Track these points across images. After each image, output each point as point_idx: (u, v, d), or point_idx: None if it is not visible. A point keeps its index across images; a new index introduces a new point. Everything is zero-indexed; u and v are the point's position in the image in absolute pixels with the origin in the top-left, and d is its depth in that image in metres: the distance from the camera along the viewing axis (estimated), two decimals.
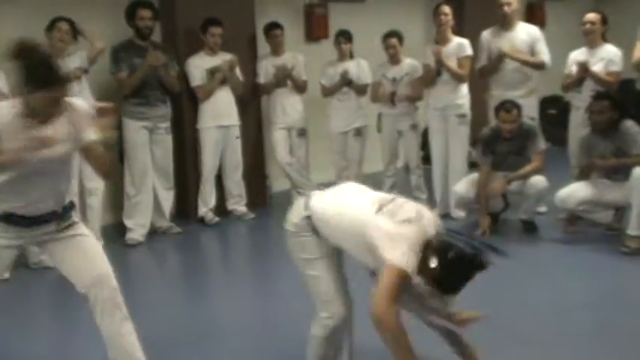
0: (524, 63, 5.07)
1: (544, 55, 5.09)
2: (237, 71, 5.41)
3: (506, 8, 5.07)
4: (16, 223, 2.58)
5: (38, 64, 2.43)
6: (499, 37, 5.14)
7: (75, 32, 4.63)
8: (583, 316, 3.49)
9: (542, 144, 4.83)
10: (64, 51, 4.61)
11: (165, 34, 5.49)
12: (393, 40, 5.37)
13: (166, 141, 5.18)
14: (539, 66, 5.11)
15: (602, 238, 4.64)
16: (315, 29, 6.50)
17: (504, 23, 5.15)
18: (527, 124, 4.85)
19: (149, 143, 5.07)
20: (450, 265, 2.20)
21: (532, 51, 5.09)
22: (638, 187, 4.20)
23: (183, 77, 5.30)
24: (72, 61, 4.61)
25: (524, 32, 5.15)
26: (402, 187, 5.71)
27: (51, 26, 4.57)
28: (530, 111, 5.10)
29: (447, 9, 5.18)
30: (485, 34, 5.26)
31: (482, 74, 5.31)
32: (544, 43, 5.13)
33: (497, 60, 5.10)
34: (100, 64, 4.84)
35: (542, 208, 5.09)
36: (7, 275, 4.27)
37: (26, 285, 4.23)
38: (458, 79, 5.16)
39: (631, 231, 4.25)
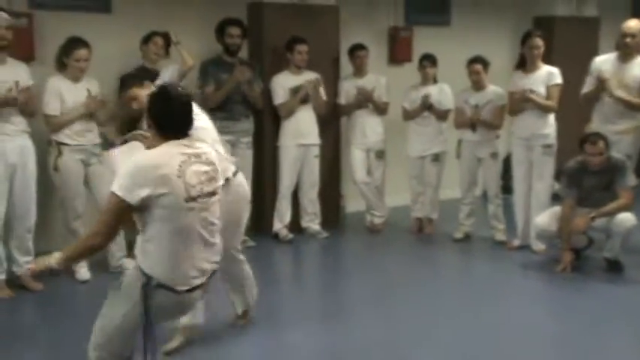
0: (623, 101, 4.84)
1: None
2: (322, 90, 5.47)
3: (628, 40, 4.86)
4: None
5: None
6: (611, 66, 4.93)
7: (168, 47, 4.82)
8: None
9: (631, 180, 4.60)
10: (157, 64, 4.81)
11: (252, 52, 5.62)
12: (478, 66, 5.28)
13: (247, 155, 5.27)
14: (638, 107, 4.86)
15: None
16: (398, 52, 6.49)
17: (622, 54, 4.94)
18: (616, 157, 4.62)
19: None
20: None
21: None
22: None
23: (267, 94, 5.40)
24: (163, 75, 4.80)
25: (639, 67, 4.90)
26: (480, 215, 5.59)
27: (147, 39, 4.78)
28: (627, 148, 4.87)
29: (539, 41, 5.00)
30: (598, 60, 5.06)
31: (584, 101, 5.10)
32: None
33: (599, 86, 4.87)
34: (187, 78, 4.99)
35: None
36: (87, 277, 4.47)
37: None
38: (546, 111, 5.01)
39: None
